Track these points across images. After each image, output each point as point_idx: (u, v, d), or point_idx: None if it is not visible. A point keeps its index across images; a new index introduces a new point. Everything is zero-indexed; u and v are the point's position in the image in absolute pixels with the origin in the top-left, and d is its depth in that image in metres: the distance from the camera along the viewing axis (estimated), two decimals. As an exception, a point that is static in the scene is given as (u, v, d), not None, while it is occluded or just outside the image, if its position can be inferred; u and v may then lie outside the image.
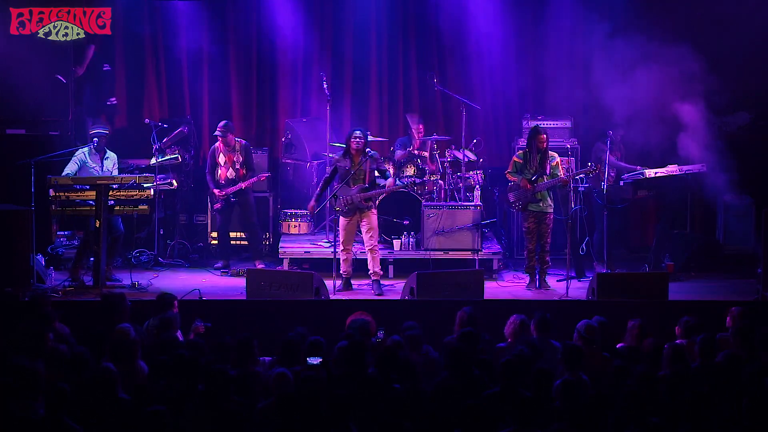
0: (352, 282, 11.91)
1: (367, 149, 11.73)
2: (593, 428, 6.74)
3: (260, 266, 12.64)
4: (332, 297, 11.30)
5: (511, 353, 8.08)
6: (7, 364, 7.38)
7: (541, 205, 11.93)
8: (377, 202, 12.05)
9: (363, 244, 11.96)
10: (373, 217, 11.80)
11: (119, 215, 11.96)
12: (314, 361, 7.76)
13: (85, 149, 12.15)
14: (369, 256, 11.80)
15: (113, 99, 14.05)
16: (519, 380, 7.43)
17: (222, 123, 12.92)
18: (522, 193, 11.94)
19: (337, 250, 11.74)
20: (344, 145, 12.05)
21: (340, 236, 11.77)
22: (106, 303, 9.44)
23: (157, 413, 6.64)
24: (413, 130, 13.48)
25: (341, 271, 11.78)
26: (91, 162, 12.09)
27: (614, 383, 7.64)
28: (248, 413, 7.07)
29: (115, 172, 12.19)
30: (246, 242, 13.35)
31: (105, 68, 13.93)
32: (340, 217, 11.78)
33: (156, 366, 7.86)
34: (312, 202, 12.05)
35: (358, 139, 11.67)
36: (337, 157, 11.91)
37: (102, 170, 12.09)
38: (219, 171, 12.84)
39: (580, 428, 6.74)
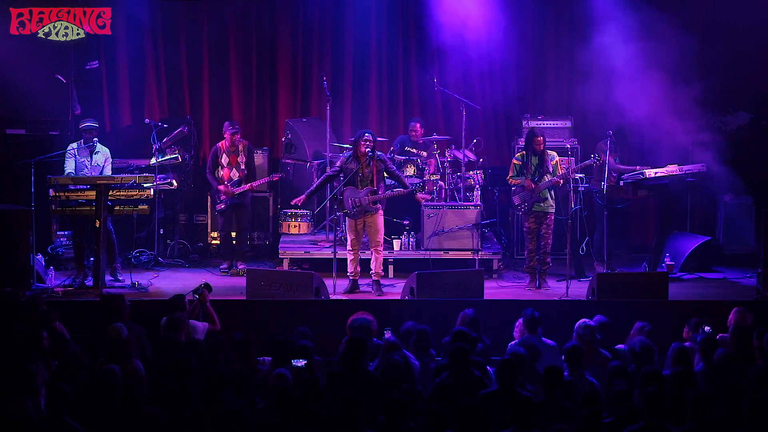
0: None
1: (376, 152, 11.74)
2: (592, 428, 6.74)
3: (241, 266, 12.62)
4: (332, 297, 11.30)
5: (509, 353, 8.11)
6: (3, 365, 7.40)
7: (542, 205, 11.95)
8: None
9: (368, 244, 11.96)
10: (379, 218, 11.79)
11: (118, 215, 11.95)
12: (299, 363, 7.71)
13: (74, 144, 12.17)
14: (373, 256, 11.80)
15: (94, 63, 13.89)
16: (516, 380, 7.45)
17: (232, 122, 12.91)
18: (527, 195, 11.94)
19: (337, 250, 11.73)
20: (347, 146, 12.00)
21: (348, 237, 11.77)
22: (106, 303, 9.43)
23: (153, 416, 6.64)
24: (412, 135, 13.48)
25: (348, 273, 11.76)
26: (80, 156, 12.10)
27: (611, 383, 7.65)
28: (248, 413, 7.07)
29: (107, 167, 12.16)
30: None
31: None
32: (347, 219, 11.78)
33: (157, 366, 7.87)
34: (302, 197, 12.01)
35: (368, 142, 11.65)
36: (343, 158, 11.89)
37: (91, 164, 12.09)
38: (221, 171, 12.80)
39: (579, 428, 6.75)
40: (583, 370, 7.92)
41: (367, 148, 11.62)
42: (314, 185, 12.15)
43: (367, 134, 11.73)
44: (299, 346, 7.99)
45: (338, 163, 11.94)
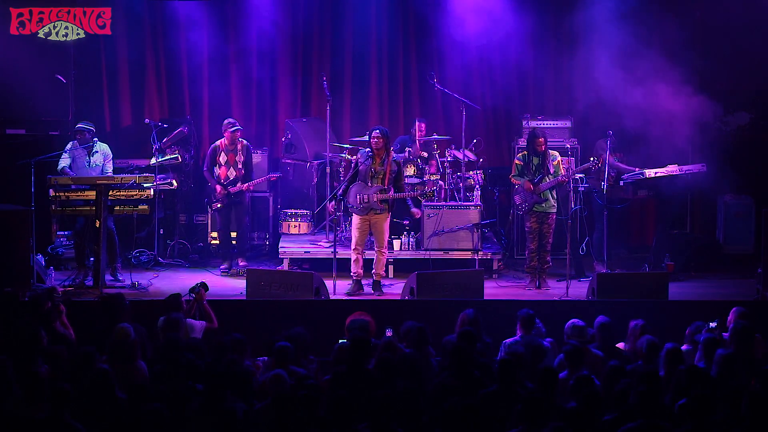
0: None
1: (394, 153, 11.72)
2: (591, 427, 6.74)
3: (242, 264, 12.70)
4: (332, 297, 11.30)
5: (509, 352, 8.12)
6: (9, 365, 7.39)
7: (544, 205, 11.96)
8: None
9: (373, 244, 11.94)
10: (386, 219, 11.77)
11: (119, 215, 11.96)
12: None
13: (70, 144, 12.17)
14: (376, 257, 11.79)
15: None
16: (517, 379, 7.45)
17: (232, 119, 12.89)
18: (527, 195, 11.95)
19: (337, 250, 11.72)
20: (348, 146, 11.96)
21: (353, 236, 11.76)
22: (106, 303, 9.43)
23: (156, 411, 6.64)
24: (417, 135, 13.47)
25: (352, 273, 11.74)
26: (78, 156, 12.09)
27: (609, 383, 7.65)
28: (246, 414, 7.07)
29: (108, 165, 12.17)
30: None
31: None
32: (354, 216, 11.77)
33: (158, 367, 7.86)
34: (332, 203, 12.00)
35: (376, 139, 11.64)
36: (360, 154, 11.89)
37: (90, 164, 12.10)
38: (218, 170, 12.79)
39: (579, 427, 6.75)
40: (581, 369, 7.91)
41: (376, 144, 11.58)
42: (341, 187, 11.96)
43: (375, 131, 11.73)
44: (278, 348, 7.93)
45: (355, 159, 11.91)
